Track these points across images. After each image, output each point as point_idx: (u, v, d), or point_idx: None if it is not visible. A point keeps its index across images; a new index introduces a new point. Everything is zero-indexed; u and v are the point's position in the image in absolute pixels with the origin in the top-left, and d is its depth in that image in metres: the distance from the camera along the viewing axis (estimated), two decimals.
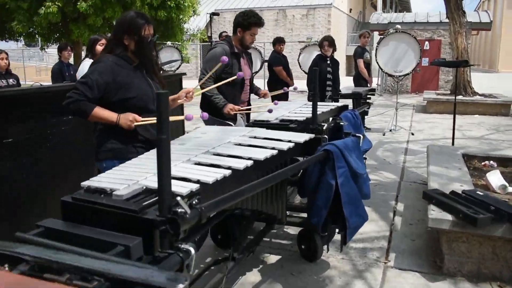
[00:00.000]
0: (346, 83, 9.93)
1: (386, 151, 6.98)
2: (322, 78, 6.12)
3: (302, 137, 2.74)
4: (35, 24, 11.67)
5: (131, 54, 2.68)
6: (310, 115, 3.76)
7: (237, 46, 3.99)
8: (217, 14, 8.74)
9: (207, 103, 3.89)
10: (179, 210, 1.40)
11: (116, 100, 2.60)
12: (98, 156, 2.72)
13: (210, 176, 1.90)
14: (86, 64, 5.08)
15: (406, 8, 44.65)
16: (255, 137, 2.76)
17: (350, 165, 2.58)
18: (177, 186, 1.76)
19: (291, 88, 5.29)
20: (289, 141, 2.65)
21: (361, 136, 2.93)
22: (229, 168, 2.06)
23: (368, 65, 8.36)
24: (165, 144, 1.36)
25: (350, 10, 33.50)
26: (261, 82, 12.95)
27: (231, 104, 3.85)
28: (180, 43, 13.04)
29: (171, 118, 2.75)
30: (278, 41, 7.85)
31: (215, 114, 3.89)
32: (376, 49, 8.40)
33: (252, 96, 4.33)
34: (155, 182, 1.52)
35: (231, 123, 4.01)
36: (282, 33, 25.86)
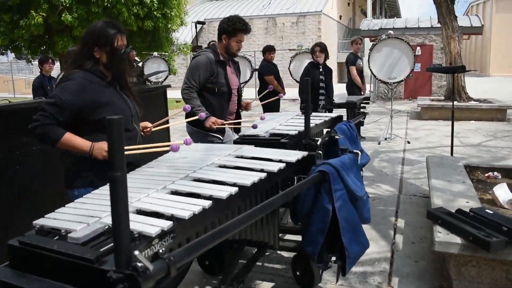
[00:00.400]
0: (338, 90, 9.70)
1: (383, 161, 6.73)
2: (314, 87, 5.86)
3: (294, 155, 2.48)
4: (16, 36, 11.32)
5: (103, 68, 2.39)
6: (303, 128, 3.50)
7: (223, 54, 3.72)
8: (203, 23, 8.47)
9: (191, 115, 3.62)
10: (139, 264, 1.12)
11: (89, 122, 2.29)
12: (72, 184, 2.38)
13: (187, 209, 1.63)
14: None
15: (396, 14, 44.72)
16: (241, 157, 2.48)
17: (349, 187, 2.30)
18: (146, 225, 1.48)
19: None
20: (280, 161, 2.38)
21: (359, 153, 2.66)
22: (210, 198, 1.78)
23: (361, 72, 8.12)
24: (120, 183, 1.08)
25: (340, 17, 33.43)
26: (251, 91, 12.68)
27: (213, 117, 3.57)
28: (167, 53, 12.73)
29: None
30: (269, 50, 7.62)
31: (201, 127, 3.62)
32: (369, 55, 8.17)
33: None
34: None
35: (219, 136, 3.73)
36: (273, 41, 25.68)
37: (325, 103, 6.06)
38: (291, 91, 9.20)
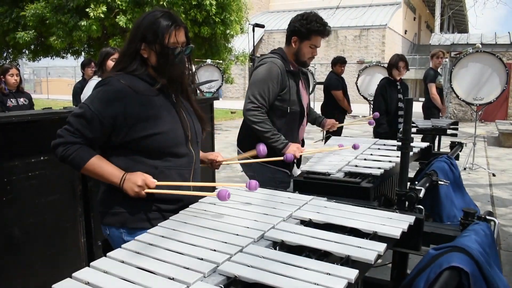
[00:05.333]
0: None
1: None
2: (393, 108, 4.82)
3: (398, 223, 1.52)
4: (73, 39, 10.89)
5: (153, 72, 1.82)
6: (388, 164, 2.57)
7: (292, 61, 2.81)
8: (262, 26, 7.63)
9: (249, 140, 2.69)
10: None
11: (127, 141, 1.74)
12: (103, 219, 1.88)
13: None
14: (92, 84, 4.06)
15: (464, 31, 42.41)
16: (309, 223, 1.55)
17: None
18: None
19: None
20: (375, 235, 1.43)
21: (496, 221, 1.66)
22: None
23: (440, 91, 6.97)
24: None
25: (405, 31, 31.85)
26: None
27: (294, 144, 2.68)
28: (222, 61, 11.94)
29: None
30: (340, 62, 6.82)
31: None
32: (451, 72, 7.01)
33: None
34: None
35: (287, 171, 2.80)
36: (333, 54, 24.53)
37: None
38: (354, 107, 8.21)
